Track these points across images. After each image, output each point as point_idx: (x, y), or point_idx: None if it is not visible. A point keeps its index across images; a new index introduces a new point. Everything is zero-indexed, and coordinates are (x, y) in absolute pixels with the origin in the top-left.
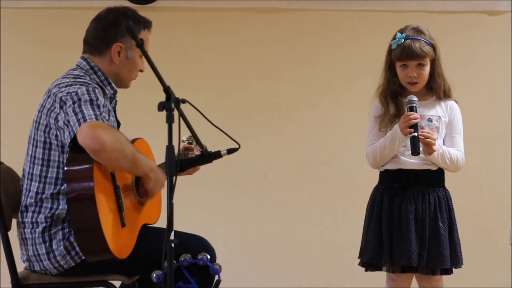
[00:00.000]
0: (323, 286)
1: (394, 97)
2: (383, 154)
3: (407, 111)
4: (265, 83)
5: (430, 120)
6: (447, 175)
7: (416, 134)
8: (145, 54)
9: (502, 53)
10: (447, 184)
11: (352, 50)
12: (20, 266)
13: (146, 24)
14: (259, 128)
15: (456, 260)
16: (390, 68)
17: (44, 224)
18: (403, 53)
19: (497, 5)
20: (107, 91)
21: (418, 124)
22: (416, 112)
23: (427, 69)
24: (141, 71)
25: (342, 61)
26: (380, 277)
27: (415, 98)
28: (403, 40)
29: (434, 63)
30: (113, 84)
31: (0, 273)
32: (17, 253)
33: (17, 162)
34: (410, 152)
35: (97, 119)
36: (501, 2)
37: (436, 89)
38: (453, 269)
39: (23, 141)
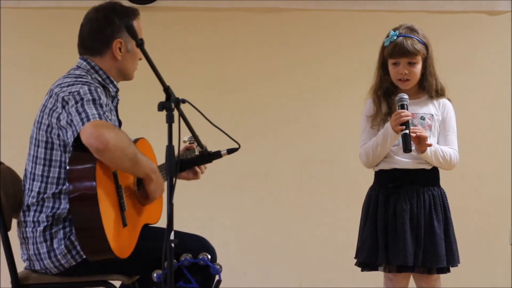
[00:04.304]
0: (323, 286)
1: (386, 96)
2: (375, 153)
3: (398, 109)
4: (265, 83)
5: (422, 118)
6: (447, 175)
7: (407, 131)
8: (145, 54)
9: (502, 53)
10: (448, 184)
11: (352, 50)
12: (20, 266)
13: (134, 13)
14: (259, 128)
15: (452, 259)
16: (382, 65)
17: (45, 223)
18: (395, 50)
19: (497, 5)
20: (110, 89)
21: (410, 121)
22: (407, 109)
23: (418, 67)
24: (139, 59)
25: (342, 61)
26: (380, 277)
27: (405, 96)
28: (395, 38)
29: (426, 61)
30: (115, 82)
31: (0, 273)
32: (17, 253)
33: (17, 162)
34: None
35: (100, 118)
36: (501, 2)
37: (427, 87)
38: (450, 268)
39: (23, 141)
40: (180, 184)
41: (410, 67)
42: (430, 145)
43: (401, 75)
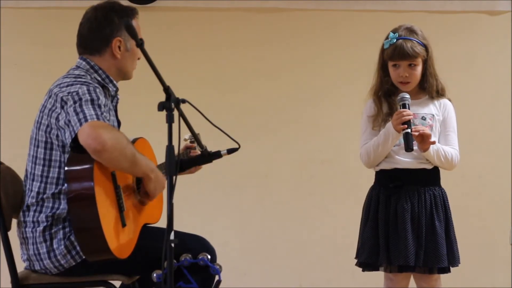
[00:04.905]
0: (323, 286)
1: (387, 97)
2: (376, 152)
3: (399, 108)
4: (265, 83)
5: (423, 118)
6: (447, 175)
7: (409, 130)
8: (145, 54)
9: (502, 53)
10: (448, 184)
11: (352, 50)
12: (20, 266)
13: (133, 13)
14: (259, 128)
15: (453, 259)
16: (382, 67)
17: (45, 223)
18: (395, 53)
19: (497, 5)
20: (110, 88)
21: (411, 120)
22: (409, 109)
23: (418, 69)
24: (138, 58)
25: (342, 61)
26: (380, 277)
27: (407, 95)
28: (395, 40)
29: (426, 63)
30: (115, 82)
31: (0, 273)
32: (17, 253)
33: (18, 162)
34: (404, 150)
35: (98, 119)
36: (501, 2)
37: (428, 88)
38: (451, 268)
39: (23, 141)
40: (180, 184)
41: (410, 69)
42: (433, 142)
43: (401, 78)
